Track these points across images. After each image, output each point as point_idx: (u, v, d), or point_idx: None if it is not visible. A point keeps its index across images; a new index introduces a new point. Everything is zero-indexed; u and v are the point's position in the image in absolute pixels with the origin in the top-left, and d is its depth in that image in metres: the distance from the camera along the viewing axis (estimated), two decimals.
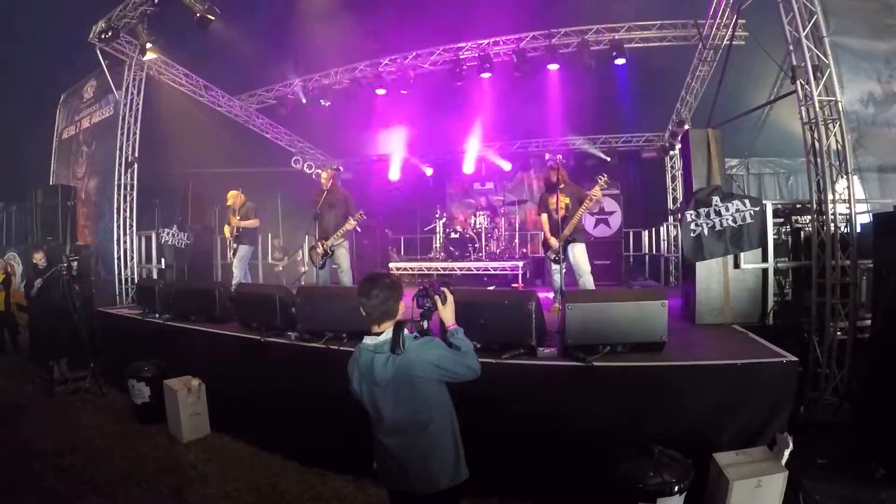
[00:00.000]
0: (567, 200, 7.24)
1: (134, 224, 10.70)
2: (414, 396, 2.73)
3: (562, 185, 7.22)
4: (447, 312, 3.04)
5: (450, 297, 3.06)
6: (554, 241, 7.23)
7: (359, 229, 8.18)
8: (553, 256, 7.38)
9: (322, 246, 8.12)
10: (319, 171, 8.59)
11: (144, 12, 9.44)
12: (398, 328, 2.71)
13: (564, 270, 7.29)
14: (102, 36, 9.88)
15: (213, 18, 8.89)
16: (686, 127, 10.85)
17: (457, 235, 12.40)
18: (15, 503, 4.88)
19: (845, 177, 6.06)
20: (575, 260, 7.26)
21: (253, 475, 5.36)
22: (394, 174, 16.67)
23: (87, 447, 6.05)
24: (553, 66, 10.84)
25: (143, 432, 6.51)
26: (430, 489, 2.78)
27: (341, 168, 8.59)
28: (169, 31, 9.92)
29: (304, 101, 12.50)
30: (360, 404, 2.87)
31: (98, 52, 10.34)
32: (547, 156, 7.40)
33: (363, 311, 2.85)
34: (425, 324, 2.96)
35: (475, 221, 12.49)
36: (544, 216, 7.54)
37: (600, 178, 7.12)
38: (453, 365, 2.81)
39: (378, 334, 2.81)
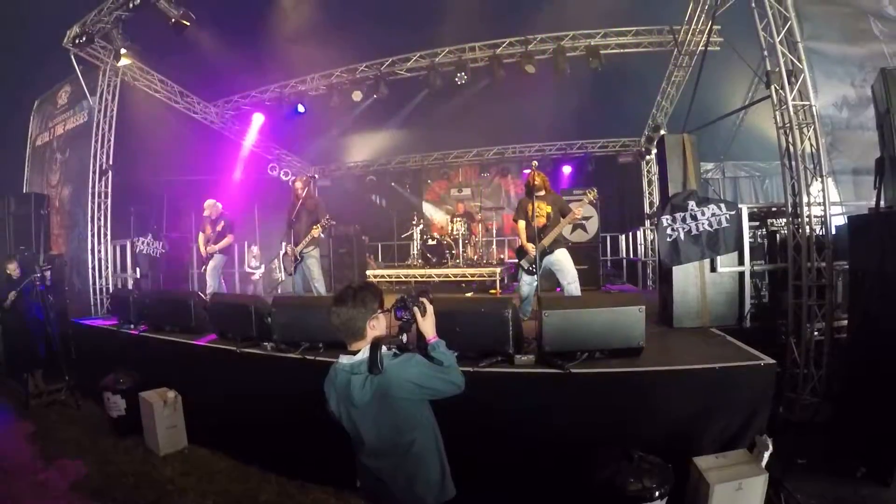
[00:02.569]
0: (549, 209, 6.91)
1: (108, 233, 10.53)
2: (395, 418, 2.62)
3: (542, 192, 6.93)
4: (427, 325, 2.88)
5: (429, 309, 2.90)
6: (531, 248, 6.81)
7: (322, 236, 8.11)
8: (527, 266, 6.98)
9: (292, 252, 8.14)
10: (294, 177, 8.56)
11: (119, 17, 9.33)
12: (375, 347, 2.55)
13: (536, 283, 6.87)
14: (77, 41, 9.74)
15: (188, 24, 8.81)
16: (662, 132, 10.94)
17: (434, 242, 12.41)
18: None
19: (820, 180, 6.13)
20: (560, 266, 6.84)
21: (231, 488, 5.30)
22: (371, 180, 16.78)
23: (62, 461, 5.91)
24: (529, 70, 10.84)
25: (120, 445, 6.39)
26: None
27: (317, 176, 8.50)
28: (144, 37, 9.83)
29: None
30: (339, 425, 2.76)
31: (72, 57, 10.17)
32: (534, 163, 7.18)
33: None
34: (404, 338, 2.81)
35: (452, 228, 12.51)
36: (521, 223, 7.08)
37: (589, 193, 6.88)
38: (435, 382, 2.69)
39: (354, 353, 2.67)
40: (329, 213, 8.22)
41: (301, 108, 12.35)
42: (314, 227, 7.94)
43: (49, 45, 10.28)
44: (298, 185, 8.39)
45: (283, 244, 8.35)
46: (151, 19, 8.98)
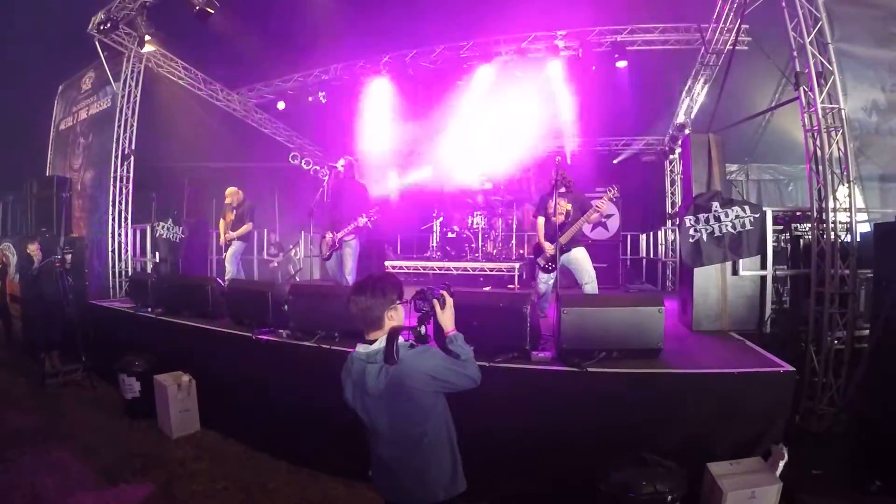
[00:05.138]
0: (569, 206, 6.78)
1: (129, 217, 10.64)
2: (409, 408, 2.61)
3: (563, 189, 6.80)
4: (446, 317, 2.91)
5: (449, 301, 2.93)
6: (549, 247, 6.78)
7: (370, 225, 7.62)
8: (544, 264, 6.95)
9: (332, 236, 7.67)
10: (335, 163, 8.08)
11: (143, 4, 9.39)
12: (392, 337, 2.56)
13: (553, 281, 6.85)
14: (101, 27, 9.83)
15: (212, 12, 8.83)
16: (687, 131, 10.81)
17: (454, 235, 12.40)
18: (1, 497, 4.83)
19: (846, 185, 6.01)
20: (578, 265, 6.76)
21: (242, 474, 5.33)
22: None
23: (75, 441, 6.00)
24: (555, 67, 10.78)
25: (133, 427, 6.48)
26: (426, 501, 2.68)
27: (338, 165, 8.32)
28: (168, 23, 9.90)
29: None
30: (354, 413, 2.76)
31: (97, 43, 10.28)
32: (558, 158, 7.12)
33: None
34: (423, 329, 2.81)
35: (472, 221, 12.47)
36: (541, 219, 7.03)
37: (609, 190, 6.77)
38: (451, 375, 2.69)
39: (371, 342, 2.67)
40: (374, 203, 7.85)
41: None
42: (360, 216, 7.42)
43: (74, 31, 10.39)
44: (340, 165, 7.85)
45: (304, 234, 8.10)
46: (176, 6, 9.01)
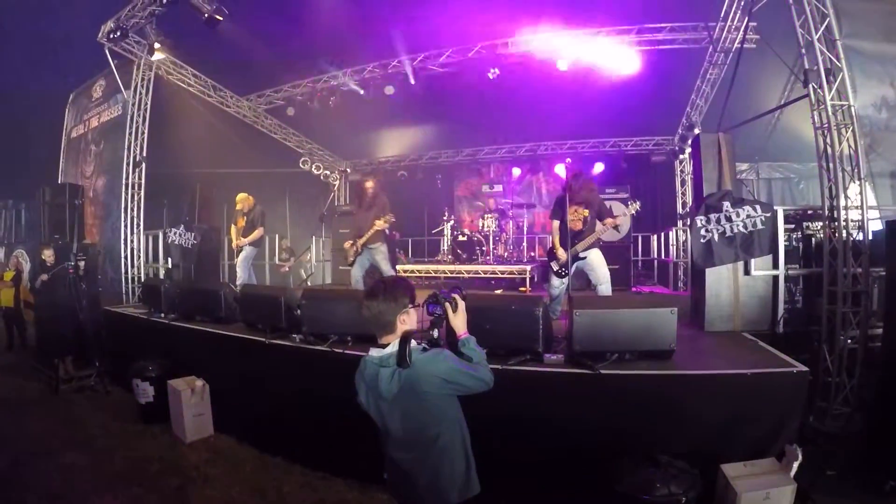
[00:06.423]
0: (586, 213, 6.76)
1: (141, 223, 10.74)
2: (421, 412, 2.61)
3: (582, 196, 6.76)
4: (458, 320, 2.87)
5: (461, 304, 2.89)
6: (562, 253, 6.71)
7: (386, 230, 8.32)
8: (557, 269, 6.92)
9: (352, 245, 8.23)
10: (362, 176, 8.73)
11: (153, 12, 9.46)
12: (404, 341, 2.53)
13: (566, 286, 6.83)
14: (111, 36, 9.92)
15: (221, 19, 8.89)
16: (696, 131, 10.77)
17: (464, 238, 12.41)
18: (16, 501, 4.86)
19: (857, 182, 5.97)
20: (593, 267, 6.76)
21: (256, 478, 5.34)
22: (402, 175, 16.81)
23: (89, 446, 6.05)
24: (562, 67, 10.75)
25: (147, 432, 6.50)
26: None
27: (349, 170, 8.53)
28: (177, 31, 9.95)
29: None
30: (367, 416, 2.76)
31: (107, 51, 10.38)
32: (568, 160, 7.09)
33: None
34: (435, 333, 2.79)
35: (483, 224, 12.51)
36: (556, 223, 6.93)
37: (632, 205, 6.89)
38: (464, 378, 2.66)
39: (384, 346, 2.67)
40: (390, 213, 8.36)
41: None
42: (377, 220, 8.01)
43: (84, 40, 10.48)
44: (369, 185, 8.51)
45: (315, 238, 8.37)
46: (185, 14, 9.07)
